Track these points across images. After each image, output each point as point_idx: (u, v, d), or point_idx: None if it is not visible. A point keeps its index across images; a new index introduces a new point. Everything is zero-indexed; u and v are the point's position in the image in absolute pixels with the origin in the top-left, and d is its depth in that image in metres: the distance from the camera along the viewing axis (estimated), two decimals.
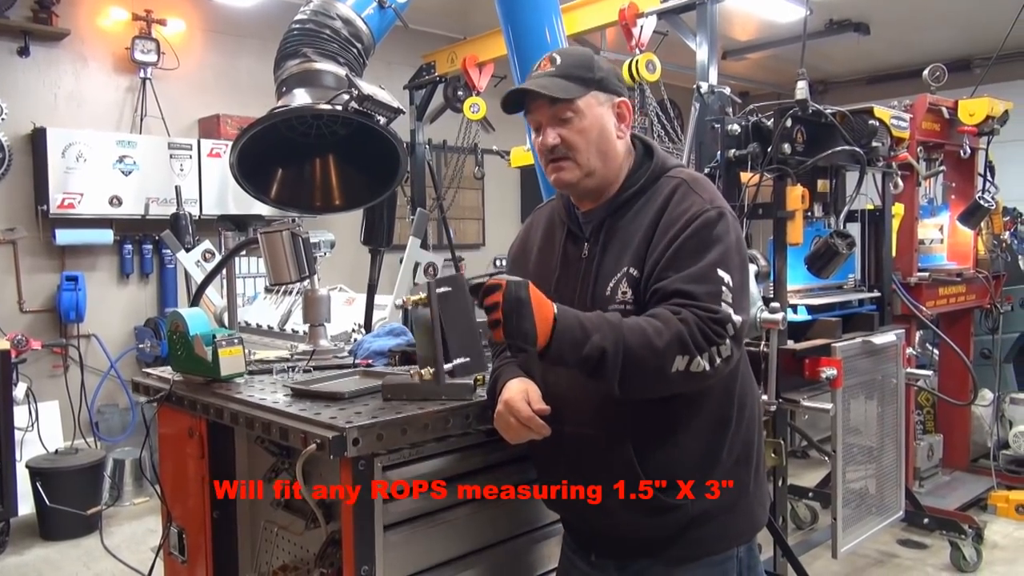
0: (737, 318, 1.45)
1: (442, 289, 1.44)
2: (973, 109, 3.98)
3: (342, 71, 2.28)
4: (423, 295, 1.48)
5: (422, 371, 1.50)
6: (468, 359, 1.47)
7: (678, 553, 1.60)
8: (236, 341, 1.98)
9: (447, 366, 1.46)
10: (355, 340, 2.59)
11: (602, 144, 1.61)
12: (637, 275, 1.54)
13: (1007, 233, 4.88)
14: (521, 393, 1.58)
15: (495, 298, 1.40)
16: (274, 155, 2.37)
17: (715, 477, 1.57)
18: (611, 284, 1.56)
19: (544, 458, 1.71)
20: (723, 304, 1.44)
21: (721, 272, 1.47)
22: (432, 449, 1.72)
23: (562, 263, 1.68)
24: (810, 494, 4.14)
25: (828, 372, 2.94)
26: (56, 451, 4.45)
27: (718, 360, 1.43)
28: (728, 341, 1.44)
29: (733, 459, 1.60)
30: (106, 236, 5.10)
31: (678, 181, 1.60)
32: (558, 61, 1.61)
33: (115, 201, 5.00)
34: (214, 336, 1.96)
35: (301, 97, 2.23)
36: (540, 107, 1.61)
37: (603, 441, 1.56)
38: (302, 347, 2.45)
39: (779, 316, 2.52)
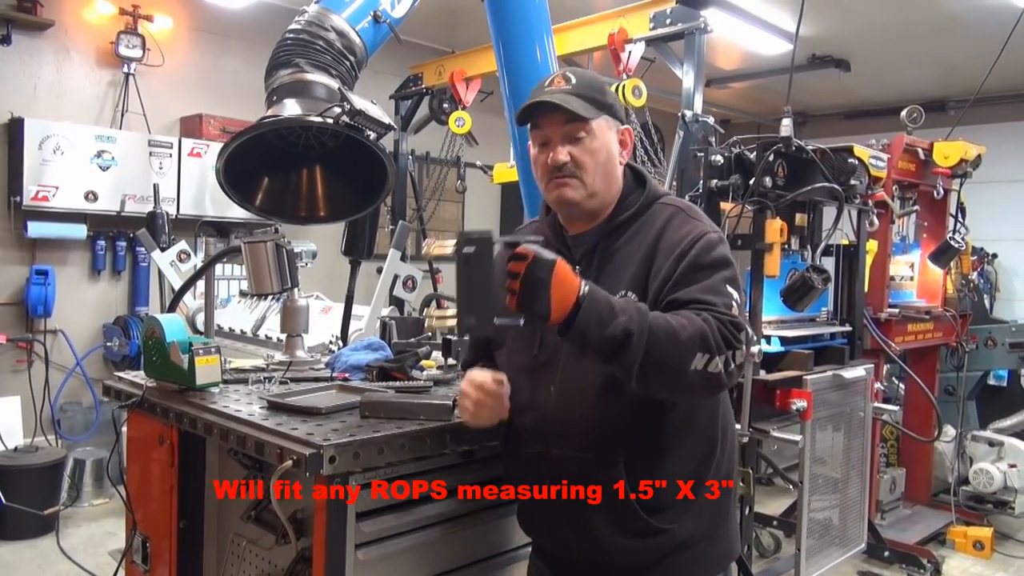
0: (747, 329, 1.49)
1: (467, 249, 1.41)
2: (948, 152, 4.08)
3: (334, 83, 2.27)
4: (434, 249, 1.48)
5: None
6: (476, 319, 1.43)
7: None
8: (213, 350, 1.96)
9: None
10: (332, 352, 2.58)
11: (607, 167, 1.62)
12: (635, 299, 1.53)
13: (975, 273, 5.00)
14: (483, 372, 1.62)
15: (518, 267, 1.36)
16: (261, 163, 2.35)
17: (701, 501, 1.58)
18: None
19: (528, 482, 1.67)
20: (735, 320, 1.46)
21: (730, 288, 1.50)
22: (408, 469, 1.72)
23: None
24: (775, 522, 4.19)
25: (799, 404, 2.99)
26: (15, 448, 4.35)
27: (732, 365, 1.43)
28: (742, 348, 1.45)
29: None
30: (79, 231, 5.02)
31: (674, 209, 1.63)
32: (572, 80, 1.61)
33: (91, 196, 4.93)
34: (191, 344, 1.94)
35: (291, 107, 2.22)
36: (553, 123, 1.60)
37: (593, 463, 1.56)
38: (278, 357, 2.44)
39: (755, 348, 2.56)
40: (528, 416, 1.64)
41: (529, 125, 1.65)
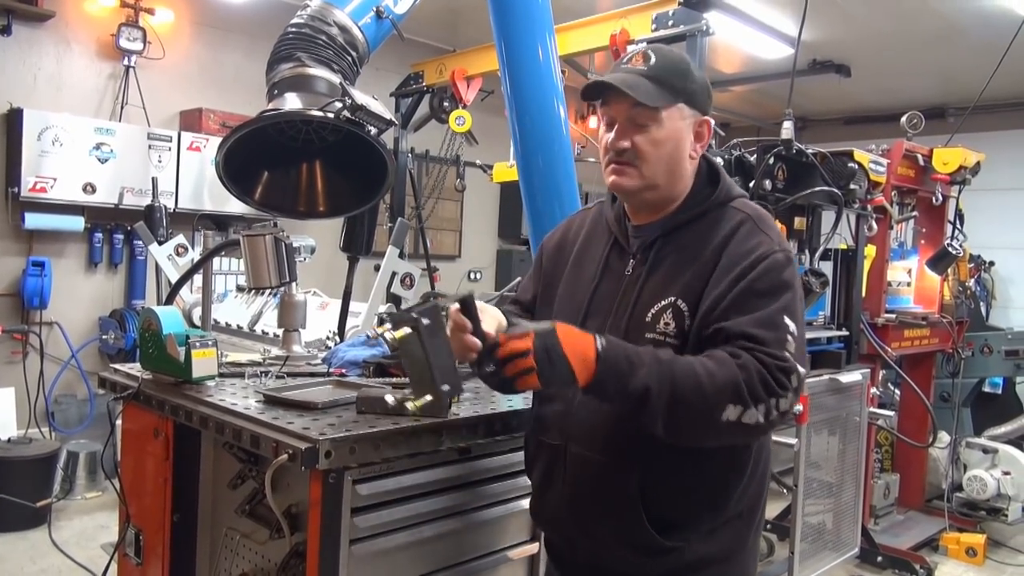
0: (801, 370, 1.36)
1: (425, 321, 1.43)
2: (947, 158, 4.09)
3: (335, 78, 2.27)
4: (398, 332, 1.45)
5: (417, 402, 1.50)
6: (450, 386, 1.48)
7: None
8: (210, 343, 1.96)
9: (428, 398, 1.49)
10: (329, 348, 2.57)
11: (672, 161, 1.50)
12: (685, 308, 1.44)
13: (972, 280, 5.00)
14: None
15: (523, 345, 1.32)
16: (260, 157, 2.35)
17: (717, 524, 1.49)
18: (653, 311, 1.47)
19: (543, 473, 1.63)
20: (787, 353, 1.35)
21: (787, 319, 1.38)
22: (403, 465, 1.71)
23: (602, 275, 1.57)
24: (768, 526, 4.18)
25: (794, 407, 2.98)
26: (9, 440, 4.34)
27: (775, 413, 1.32)
28: (789, 394, 1.33)
29: (738, 510, 1.52)
30: (77, 223, 5.00)
31: (744, 216, 1.49)
32: (652, 60, 1.48)
33: (89, 188, 4.91)
34: (187, 337, 1.93)
35: (292, 101, 2.22)
36: (620, 104, 1.48)
37: (609, 468, 1.48)
38: (275, 351, 2.43)
39: None
40: (554, 406, 1.58)
41: (599, 101, 1.54)
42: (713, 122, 1.54)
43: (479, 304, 1.45)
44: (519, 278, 1.99)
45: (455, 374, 1.49)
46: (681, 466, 1.46)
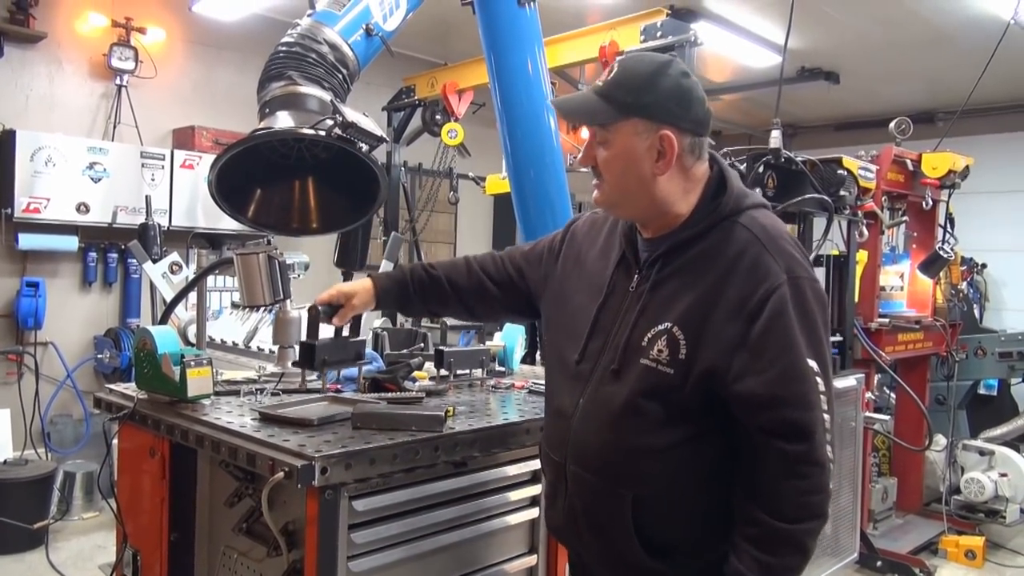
0: (828, 452, 1.38)
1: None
2: (936, 163, 4.12)
3: (327, 96, 2.29)
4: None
5: None
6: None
7: None
8: (205, 362, 1.96)
9: None
10: None
11: (626, 179, 1.44)
12: (681, 337, 1.38)
13: (964, 283, 5.03)
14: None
15: None
16: (253, 175, 2.36)
17: (708, 560, 1.42)
18: (649, 335, 1.42)
19: (549, 485, 1.65)
20: (818, 432, 1.35)
21: (809, 362, 1.34)
22: (400, 480, 1.72)
23: (609, 288, 1.54)
24: None
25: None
26: (4, 461, 4.32)
27: (823, 516, 1.38)
28: (826, 491, 1.37)
29: None
30: (71, 243, 5.01)
31: (750, 237, 1.40)
32: (613, 73, 1.44)
33: (82, 208, 4.92)
34: (182, 356, 1.94)
35: (284, 120, 2.23)
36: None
37: (602, 491, 1.47)
38: (270, 368, 2.43)
39: None
40: (557, 422, 1.58)
41: None
42: (674, 135, 1.41)
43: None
44: None
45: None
46: (675, 500, 1.44)
